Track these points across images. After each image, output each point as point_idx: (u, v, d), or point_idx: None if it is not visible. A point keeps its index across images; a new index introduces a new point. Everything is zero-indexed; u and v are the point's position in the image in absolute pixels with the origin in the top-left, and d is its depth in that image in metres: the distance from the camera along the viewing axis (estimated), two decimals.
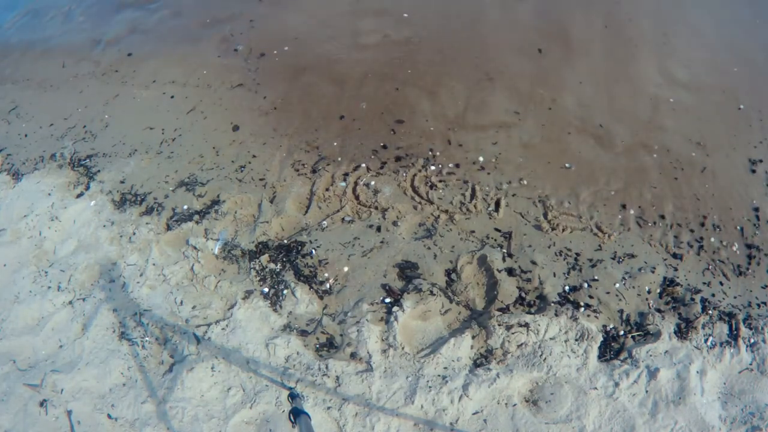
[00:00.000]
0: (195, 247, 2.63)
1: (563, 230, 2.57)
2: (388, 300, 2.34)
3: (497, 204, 2.70)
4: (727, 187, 2.76)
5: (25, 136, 3.71)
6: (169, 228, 2.78)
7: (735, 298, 2.31)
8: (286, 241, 2.63)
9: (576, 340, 2.14)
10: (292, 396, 1.70)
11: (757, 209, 2.66)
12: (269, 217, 2.73)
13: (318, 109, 3.38)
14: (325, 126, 3.26)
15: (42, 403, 2.17)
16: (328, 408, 2.03)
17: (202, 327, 2.33)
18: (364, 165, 2.97)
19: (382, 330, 2.23)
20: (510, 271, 2.41)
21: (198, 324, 2.35)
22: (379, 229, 2.64)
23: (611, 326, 2.21)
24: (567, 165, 2.89)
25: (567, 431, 1.93)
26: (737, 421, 1.95)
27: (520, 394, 2.05)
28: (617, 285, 2.33)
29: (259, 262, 2.53)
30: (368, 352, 2.14)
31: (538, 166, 2.89)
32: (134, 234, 2.77)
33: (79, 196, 3.07)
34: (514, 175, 2.85)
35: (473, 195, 2.76)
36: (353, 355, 2.16)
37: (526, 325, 2.17)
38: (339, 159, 3.03)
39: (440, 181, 2.84)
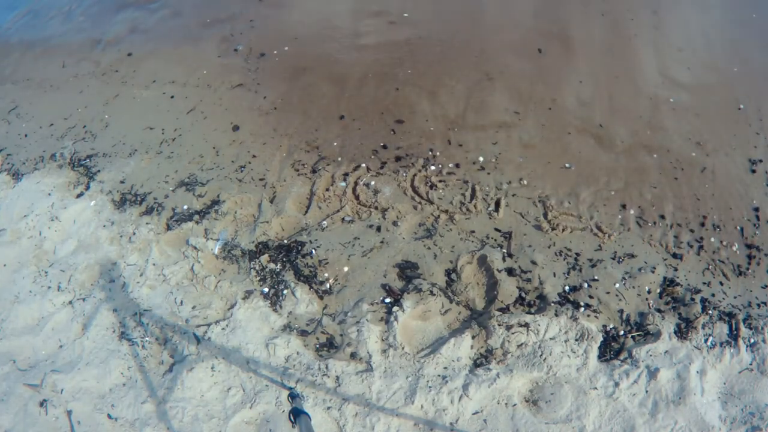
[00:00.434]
0: (195, 247, 2.63)
1: (563, 230, 2.57)
2: (388, 300, 2.34)
3: (497, 204, 2.70)
4: (727, 187, 2.76)
5: (25, 136, 3.71)
6: (169, 228, 2.78)
7: (735, 298, 2.31)
8: (286, 241, 2.63)
9: (576, 340, 2.14)
10: (292, 396, 1.70)
11: (757, 209, 2.66)
12: (269, 217, 2.73)
13: (318, 109, 3.38)
14: (325, 126, 3.26)
15: (42, 403, 2.17)
16: (328, 408, 2.03)
17: (202, 327, 2.33)
18: (364, 165, 2.97)
19: (382, 330, 2.23)
20: (510, 271, 2.41)
21: (198, 324, 2.35)
22: (379, 229, 2.64)
23: (611, 326, 2.21)
24: (567, 165, 2.89)
25: (567, 431, 1.93)
26: (737, 421, 1.95)
27: (520, 394, 2.05)
28: (617, 285, 2.33)
29: (259, 262, 2.53)
30: (368, 352, 2.14)
31: (538, 166, 2.89)
32: (134, 234, 2.77)
33: (79, 196, 3.07)
34: (514, 175, 2.85)
35: (473, 195, 2.76)
36: (353, 355, 2.16)
37: (526, 325, 2.17)
38: (339, 159, 3.03)
39: (440, 181, 2.84)
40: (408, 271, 2.45)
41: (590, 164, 2.89)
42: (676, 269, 2.41)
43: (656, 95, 3.26)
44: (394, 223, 2.65)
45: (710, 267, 2.42)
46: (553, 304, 2.26)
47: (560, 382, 2.04)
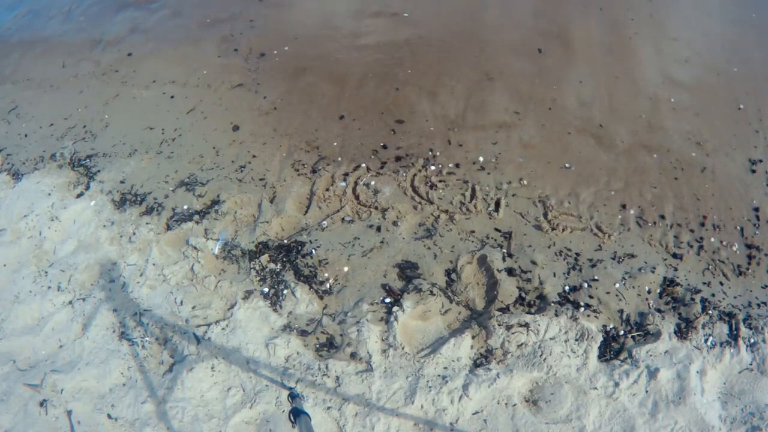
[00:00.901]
0: (195, 247, 2.63)
1: (563, 230, 2.57)
2: (388, 300, 2.34)
3: (497, 204, 2.70)
4: (727, 187, 2.76)
5: (25, 136, 3.71)
6: (169, 228, 2.78)
7: (735, 298, 2.31)
8: (286, 241, 2.63)
9: (576, 340, 2.14)
10: (292, 396, 1.70)
11: (757, 209, 2.66)
12: (269, 217, 2.73)
13: (318, 109, 3.38)
14: (325, 126, 3.26)
15: (42, 403, 2.17)
16: (328, 408, 2.03)
17: (202, 327, 2.33)
18: (364, 165, 2.97)
19: (382, 330, 2.23)
20: (510, 271, 2.41)
21: (198, 324, 2.35)
22: (379, 229, 2.64)
23: (611, 326, 2.21)
24: (567, 165, 2.89)
25: (567, 431, 1.93)
26: (737, 421, 1.95)
27: (520, 394, 2.05)
28: (617, 285, 2.33)
29: (259, 262, 2.53)
30: (368, 352, 2.14)
31: (538, 166, 2.89)
32: (134, 234, 2.77)
33: (79, 196, 3.07)
34: (514, 175, 2.85)
35: (473, 195, 2.76)
36: (353, 355, 2.16)
37: (526, 325, 2.17)
38: (339, 159, 3.03)
39: (440, 181, 2.84)
40: (408, 271, 2.44)
41: (590, 164, 2.89)
42: (676, 269, 2.41)
43: (656, 95, 3.26)
44: (394, 223, 2.65)
45: (710, 267, 2.42)
46: (553, 304, 2.26)
47: (560, 382, 2.04)
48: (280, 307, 2.38)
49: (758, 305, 2.28)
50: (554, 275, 2.39)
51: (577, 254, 2.48)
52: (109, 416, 2.12)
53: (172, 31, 4.41)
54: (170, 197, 2.95)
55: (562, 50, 3.59)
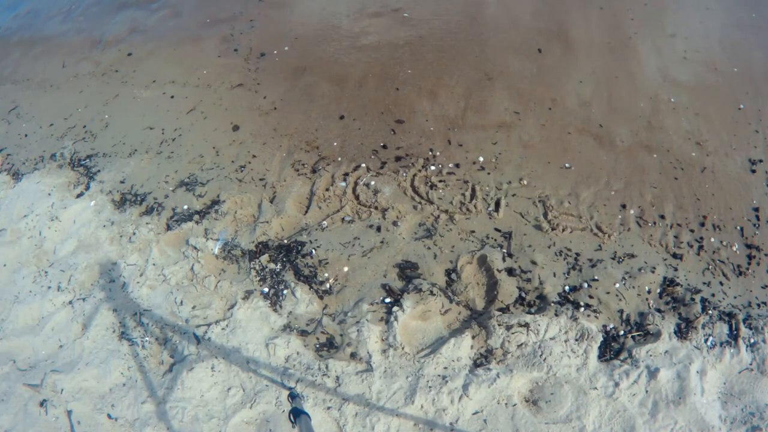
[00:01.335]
0: (195, 247, 2.63)
1: (563, 230, 2.56)
2: (388, 300, 2.34)
3: (497, 204, 2.70)
4: (727, 187, 2.76)
5: (25, 136, 3.71)
6: (169, 228, 2.78)
7: (735, 298, 2.30)
8: (286, 241, 2.63)
9: (576, 340, 2.14)
10: (292, 396, 1.70)
11: (757, 209, 2.65)
12: (269, 217, 2.72)
13: (318, 109, 3.38)
14: (325, 126, 3.26)
15: (42, 403, 2.17)
16: (328, 408, 2.03)
17: (202, 327, 2.33)
18: (364, 165, 2.97)
19: (382, 330, 2.23)
20: (510, 271, 2.41)
21: (198, 324, 2.35)
22: (379, 229, 2.64)
23: (611, 326, 2.21)
24: (567, 165, 2.89)
25: (567, 431, 1.93)
26: (737, 421, 1.95)
27: (520, 394, 2.05)
28: (617, 285, 2.33)
29: (259, 262, 2.53)
30: (368, 352, 2.14)
31: (538, 166, 2.89)
32: (134, 234, 2.77)
33: (79, 196, 3.07)
34: (514, 175, 2.85)
35: (473, 195, 2.76)
36: (353, 355, 2.16)
37: (526, 325, 2.17)
38: (339, 159, 3.03)
39: (440, 181, 2.84)
40: (408, 271, 2.45)
41: (590, 164, 2.89)
42: (676, 269, 2.40)
43: (656, 95, 3.26)
44: (394, 223, 2.65)
45: (710, 267, 2.42)
46: (553, 304, 2.26)
47: (560, 382, 2.04)
48: (280, 307, 2.38)
49: (758, 305, 2.28)
50: (554, 275, 2.39)
51: (577, 254, 2.48)
52: (109, 416, 2.12)
53: (172, 31, 4.41)
54: (170, 197, 2.95)
55: (562, 50, 3.59)
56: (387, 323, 2.24)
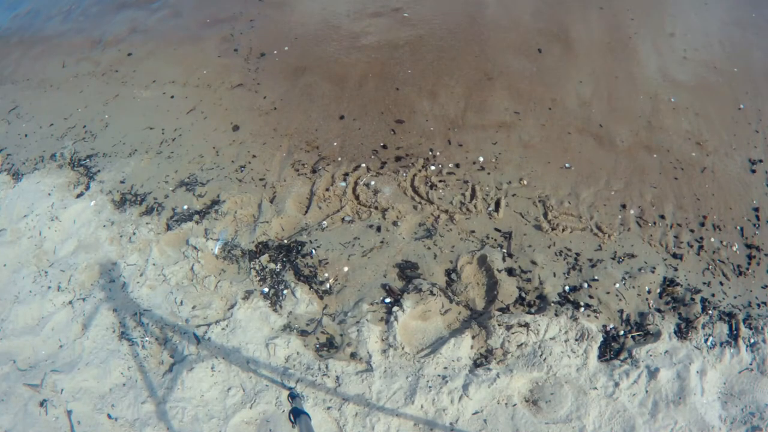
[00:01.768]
0: (195, 247, 2.63)
1: (563, 230, 2.57)
2: (388, 300, 2.34)
3: (497, 204, 2.70)
4: (727, 187, 2.76)
5: (25, 136, 3.71)
6: (169, 228, 2.78)
7: (735, 298, 2.31)
8: (286, 241, 2.63)
9: (576, 340, 2.14)
10: (292, 396, 1.70)
11: (757, 209, 2.66)
12: (269, 217, 2.72)
13: (318, 109, 3.38)
14: (325, 126, 3.26)
15: (42, 403, 2.17)
16: (328, 408, 2.03)
17: (202, 327, 2.33)
18: (364, 165, 2.97)
19: (382, 330, 2.23)
20: (510, 271, 2.41)
21: (198, 324, 2.35)
22: (379, 229, 2.64)
23: (611, 326, 2.21)
24: (567, 165, 2.89)
25: (567, 431, 1.93)
26: (737, 421, 1.95)
27: (520, 394, 2.05)
28: (617, 285, 2.33)
29: (259, 262, 2.53)
30: (368, 352, 2.15)
31: (538, 166, 2.89)
32: (134, 234, 2.77)
33: (79, 196, 3.07)
34: (514, 175, 2.85)
35: (473, 195, 2.76)
36: (353, 355, 2.16)
37: (526, 325, 2.17)
38: (339, 159, 3.03)
39: (440, 181, 2.84)
40: (408, 271, 2.45)
41: (590, 164, 2.89)
42: (676, 269, 2.40)
43: (656, 95, 3.26)
44: (394, 223, 2.65)
45: (710, 267, 2.42)
46: (553, 304, 2.26)
47: (560, 382, 2.04)
48: (280, 307, 2.38)
49: (758, 305, 2.28)
50: (554, 275, 2.39)
51: (577, 254, 2.48)
52: (109, 416, 2.12)
53: (172, 31, 4.41)
54: (170, 197, 2.95)
55: (562, 50, 3.59)
56: (387, 323, 2.24)
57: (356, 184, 2.87)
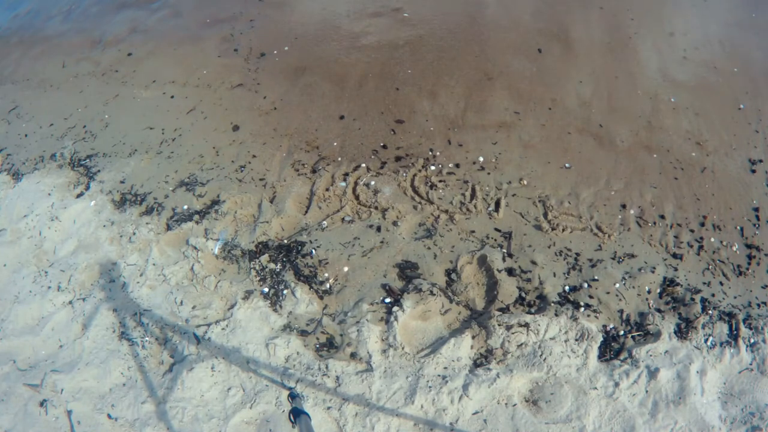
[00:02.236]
0: (195, 247, 2.63)
1: (563, 230, 2.57)
2: (388, 300, 2.34)
3: (497, 204, 2.70)
4: (727, 187, 2.76)
5: (25, 136, 3.71)
6: (169, 228, 2.78)
7: (735, 298, 2.31)
8: (286, 241, 2.63)
9: (576, 340, 2.14)
10: (292, 396, 1.70)
11: (757, 209, 2.66)
12: (269, 217, 2.72)
13: (318, 109, 3.38)
14: (325, 126, 3.26)
15: (42, 403, 2.17)
16: (328, 408, 2.03)
17: (202, 327, 2.33)
18: (364, 165, 2.97)
19: (382, 330, 2.23)
20: (510, 271, 2.41)
21: (198, 324, 2.35)
22: (379, 229, 2.64)
23: (611, 326, 2.21)
24: (567, 165, 2.89)
25: (567, 431, 1.93)
26: (737, 421, 1.95)
27: (520, 394, 2.05)
28: (617, 285, 2.33)
29: (259, 262, 2.53)
30: (368, 352, 2.15)
31: (538, 166, 2.89)
32: (134, 234, 2.77)
33: (79, 196, 3.07)
34: (514, 175, 2.85)
35: (473, 195, 2.76)
36: (353, 355, 2.16)
37: (526, 325, 2.17)
38: (339, 159, 3.03)
39: (440, 181, 2.84)
40: (408, 271, 2.45)
41: (590, 164, 2.89)
42: (676, 269, 2.40)
43: (656, 95, 3.26)
44: (394, 223, 2.65)
45: (710, 267, 2.42)
46: (553, 304, 2.26)
47: (560, 382, 2.04)
48: (280, 307, 2.38)
49: (758, 305, 2.28)
50: (554, 275, 2.39)
51: (577, 254, 2.48)
52: (109, 416, 2.12)
53: (172, 31, 4.41)
54: (170, 197, 2.95)
55: (562, 50, 3.59)
56: (387, 323, 2.24)
57: (356, 184, 2.87)
